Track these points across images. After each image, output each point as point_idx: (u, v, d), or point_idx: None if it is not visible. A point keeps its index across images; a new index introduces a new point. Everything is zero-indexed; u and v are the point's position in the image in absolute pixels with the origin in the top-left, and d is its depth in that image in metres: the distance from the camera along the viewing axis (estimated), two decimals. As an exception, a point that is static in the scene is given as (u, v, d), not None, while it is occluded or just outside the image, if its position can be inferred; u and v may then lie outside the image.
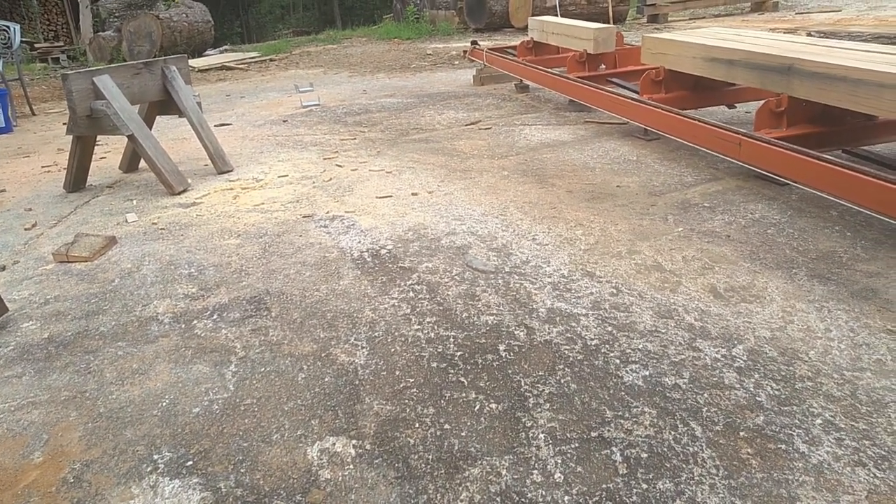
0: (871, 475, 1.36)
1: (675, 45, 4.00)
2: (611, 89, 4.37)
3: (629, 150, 3.90)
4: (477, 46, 6.81)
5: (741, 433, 1.51)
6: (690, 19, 11.97)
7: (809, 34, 7.18)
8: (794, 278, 2.22)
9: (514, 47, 6.66)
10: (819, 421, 1.53)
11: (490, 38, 11.06)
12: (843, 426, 1.51)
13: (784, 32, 7.22)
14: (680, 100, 3.98)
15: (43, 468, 1.59)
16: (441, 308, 2.19)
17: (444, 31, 13.06)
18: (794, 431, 1.50)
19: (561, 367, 1.81)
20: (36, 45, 13.75)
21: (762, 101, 3.25)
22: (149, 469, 1.55)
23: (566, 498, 1.37)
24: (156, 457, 1.59)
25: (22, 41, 7.78)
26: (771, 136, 2.94)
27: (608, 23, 9.48)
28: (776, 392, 1.64)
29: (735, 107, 4.42)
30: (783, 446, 1.46)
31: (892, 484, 1.33)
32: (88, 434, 1.70)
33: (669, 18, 11.75)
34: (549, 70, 5.20)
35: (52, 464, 1.60)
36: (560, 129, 4.57)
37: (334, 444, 1.59)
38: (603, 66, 5.31)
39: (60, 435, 1.70)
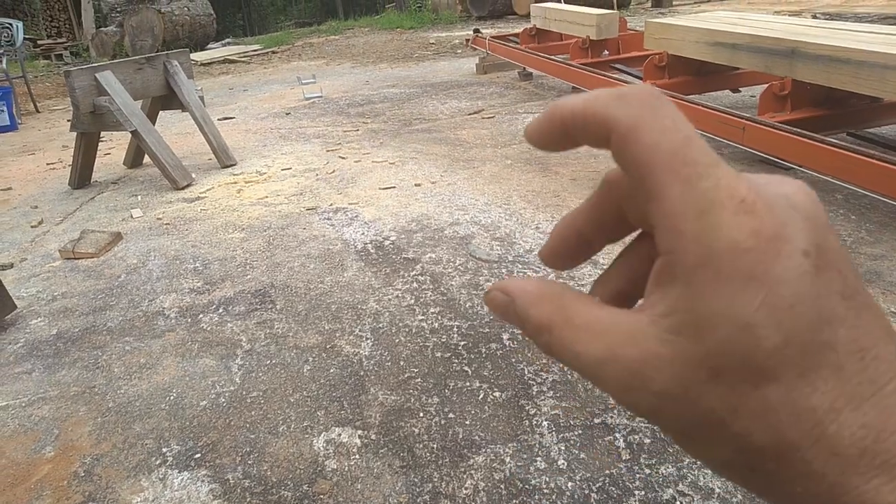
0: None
1: (678, 30, 3.97)
2: (614, 76, 4.35)
3: (633, 136, 3.87)
4: (479, 34, 6.78)
5: (744, 418, 1.52)
6: (695, 3, 11.87)
7: (815, 16, 7.11)
8: (798, 263, 2.21)
9: (516, 35, 6.62)
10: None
11: (493, 25, 11.01)
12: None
13: (789, 14, 7.16)
14: (683, 85, 3.96)
15: (55, 462, 1.61)
16: (445, 298, 2.20)
17: (447, 20, 13.00)
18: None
19: (564, 355, 1.82)
20: (39, 42, 13.77)
21: (766, 85, 3.23)
22: (158, 462, 1.58)
23: (570, 484, 1.38)
24: (164, 450, 1.61)
25: (25, 38, 7.80)
26: (775, 121, 2.92)
27: (612, 8, 9.42)
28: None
29: (739, 91, 4.39)
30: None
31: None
32: (98, 428, 1.72)
33: (674, 2, 11.65)
34: (551, 57, 5.17)
35: (63, 458, 1.62)
36: (563, 116, 4.55)
37: (340, 434, 1.61)
38: (606, 53, 5.28)
39: (71, 430, 1.73)
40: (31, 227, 3.37)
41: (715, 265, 0.19)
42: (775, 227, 0.19)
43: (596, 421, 1.56)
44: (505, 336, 1.94)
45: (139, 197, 3.68)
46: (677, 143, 0.20)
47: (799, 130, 2.72)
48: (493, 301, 0.24)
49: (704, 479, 1.35)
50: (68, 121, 4.15)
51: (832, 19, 6.07)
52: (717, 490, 1.32)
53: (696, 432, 0.20)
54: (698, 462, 1.27)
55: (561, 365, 1.76)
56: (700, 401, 0.20)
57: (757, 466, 0.20)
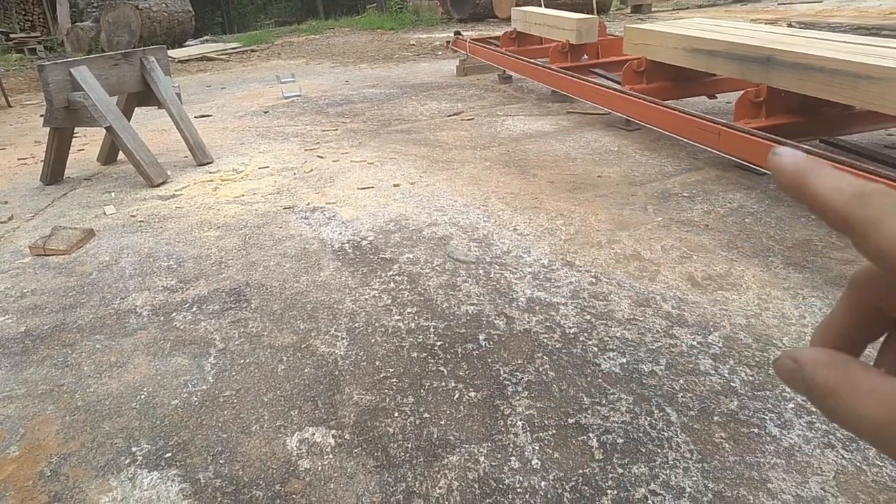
0: (840, 456, 1.39)
1: (657, 36, 4.01)
2: (593, 80, 4.38)
3: (611, 140, 3.91)
4: (460, 37, 6.80)
5: (715, 418, 1.53)
6: (674, 10, 12.02)
7: (790, 25, 7.24)
8: (770, 266, 2.25)
9: (497, 38, 6.65)
10: (791, 405, 1.56)
11: (474, 28, 11.04)
12: (814, 410, 1.54)
13: (765, 23, 7.28)
14: (661, 90, 4.00)
15: (20, 462, 1.58)
16: (422, 298, 2.19)
17: (428, 22, 13.02)
18: (766, 416, 1.53)
19: (540, 355, 1.82)
20: (12, 36, 13.51)
21: (742, 92, 3.28)
22: (127, 461, 1.55)
23: (543, 483, 1.38)
24: (134, 449, 1.59)
25: (-3, 31, 7.63)
26: (750, 126, 2.96)
27: (592, 13, 9.48)
28: (750, 378, 1.67)
29: (716, 97, 4.45)
30: (756, 430, 1.49)
31: (858, 464, 1.36)
32: (66, 427, 1.69)
33: (653, 9, 11.79)
34: (531, 60, 5.20)
35: (28, 458, 1.59)
36: (542, 119, 4.58)
37: (314, 434, 1.59)
38: (585, 57, 5.32)
39: (37, 429, 1.69)
40: (1, 222, 3.30)
41: None
42: None
43: (570, 421, 1.56)
44: (481, 336, 1.94)
45: (113, 194, 3.62)
46: None
47: (773, 136, 2.76)
48: (782, 368, 0.26)
49: (676, 478, 1.36)
50: (41, 116, 4.07)
51: (807, 28, 6.18)
52: (688, 489, 1.33)
53: None
54: (671, 462, 1.24)
55: (536, 365, 1.76)
56: None
57: None
